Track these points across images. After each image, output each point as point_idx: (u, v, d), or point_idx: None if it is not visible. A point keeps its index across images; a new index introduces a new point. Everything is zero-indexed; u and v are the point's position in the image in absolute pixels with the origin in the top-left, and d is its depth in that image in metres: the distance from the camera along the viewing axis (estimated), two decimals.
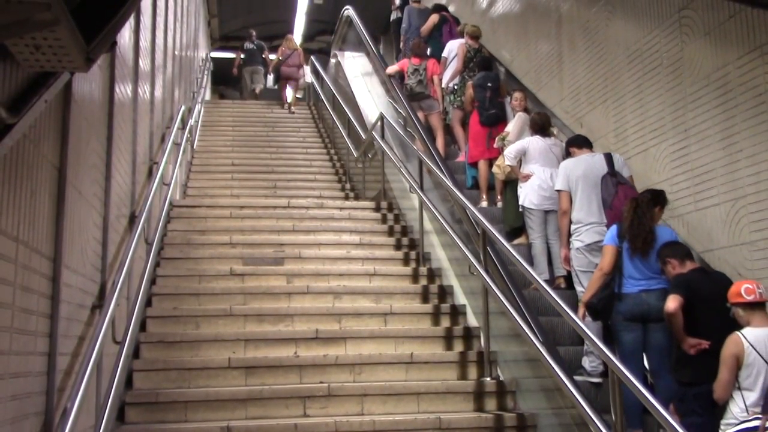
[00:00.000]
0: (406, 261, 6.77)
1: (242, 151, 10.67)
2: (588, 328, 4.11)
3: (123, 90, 4.82)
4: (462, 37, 9.38)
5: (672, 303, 4.39)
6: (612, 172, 5.72)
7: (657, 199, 5.11)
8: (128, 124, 5.15)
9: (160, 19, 6.88)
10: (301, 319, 5.59)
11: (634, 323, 4.90)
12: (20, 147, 2.78)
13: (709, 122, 5.22)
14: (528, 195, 6.60)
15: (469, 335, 5.52)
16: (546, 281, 5.47)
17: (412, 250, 6.92)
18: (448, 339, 5.50)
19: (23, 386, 2.88)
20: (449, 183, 6.26)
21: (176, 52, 8.87)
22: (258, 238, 6.93)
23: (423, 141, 7.61)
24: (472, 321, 5.79)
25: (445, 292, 6.17)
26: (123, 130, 4.90)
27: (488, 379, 4.99)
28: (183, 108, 8.56)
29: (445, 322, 5.78)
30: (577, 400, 3.67)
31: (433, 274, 6.48)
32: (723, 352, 4.10)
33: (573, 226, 5.78)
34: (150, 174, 6.13)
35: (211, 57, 17.49)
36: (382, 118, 8.27)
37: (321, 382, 4.85)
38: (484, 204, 7.72)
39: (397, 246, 7.11)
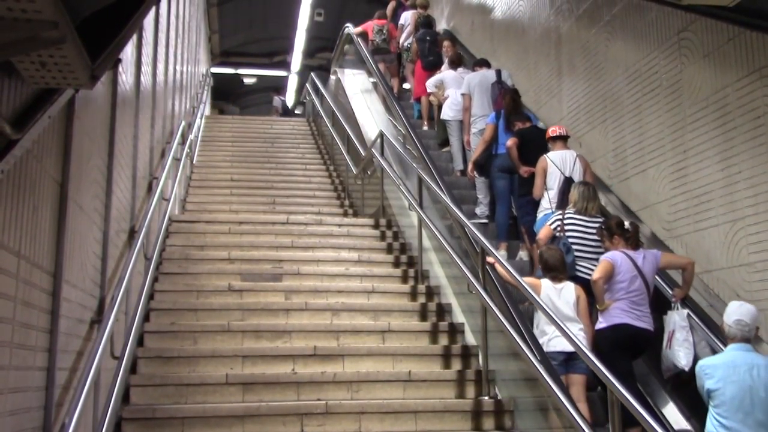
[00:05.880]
0: (404, 278, 6.76)
1: (241, 166, 10.68)
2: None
3: (124, 106, 4.84)
4: (414, 8, 11.93)
5: (509, 142, 6.89)
6: (499, 81, 8.29)
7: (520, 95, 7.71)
8: (129, 139, 5.17)
9: (161, 35, 6.92)
10: (299, 335, 5.58)
11: (504, 173, 7.15)
12: (23, 162, 2.79)
13: (708, 144, 5.25)
14: (446, 111, 9.09)
15: (467, 354, 5.51)
16: (461, 171, 8.61)
17: (411, 268, 6.92)
18: (446, 357, 5.49)
19: (22, 401, 2.88)
20: (448, 200, 6.28)
21: (177, 68, 8.91)
22: (256, 254, 6.93)
23: (384, 86, 10.38)
24: (471, 339, 5.78)
25: (443, 310, 6.17)
26: (124, 146, 4.91)
27: (486, 398, 4.97)
28: (183, 123, 8.59)
29: (444, 341, 5.77)
30: (576, 421, 3.66)
31: (431, 292, 6.47)
32: (536, 168, 6.41)
33: (472, 119, 8.28)
34: (150, 189, 6.15)
35: (211, 72, 17.56)
36: (381, 135, 8.31)
37: (318, 400, 4.83)
38: (425, 128, 10.28)
39: (396, 263, 7.11)
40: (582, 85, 7.28)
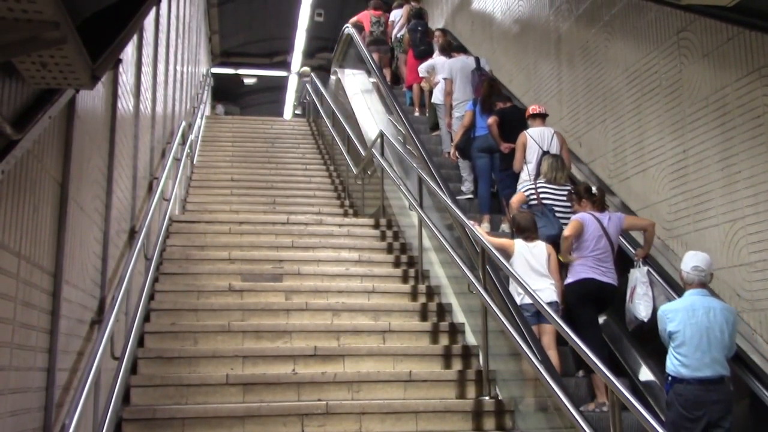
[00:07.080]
0: (404, 278, 6.76)
1: (242, 166, 10.67)
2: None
3: (125, 106, 4.85)
4: (401, 6, 12.55)
5: (490, 120, 7.50)
6: (478, 68, 8.95)
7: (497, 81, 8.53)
8: (130, 139, 5.17)
9: (162, 36, 6.92)
10: (300, 336, 5.58)
11: (484, 153, 7.76)
12: (24, 162, 2.79)
13: (708, 143, 5.25)
14: (436, 95, 9.65)
15: (467, 354, 5.51)
16: (449, 153, 8.96)
17: (411, 268, 6.92)
18: (446, 357, 5.49)
19: (22, 402, 2.88)
20: (448, 201, 6.28)
21: (177, 68, 8.91)
22: (257, 254, 6.93)
23: (376, 75, 10.90)
24: (471, 339, 5.78)
25: (443, 310, 6.17)
26: (124, 146, 4.92)
27: (487, 398, 4.97)
28: (183, 123, 8.59)
29: (444, 341, 5.77)
30: (577, 420, 3.66)
31: (431, 292, 6.47)
32: (516, 143, 6.90)
33: (454, 103, 8.88)
34: (150, 189, 6.15)
35: (211, 73, 17.56)
36: (381, 135, 8.32)
37: (319, 400, 4.84)
38: (417, 114, 10.85)
39: (396, 263, 7.11)
40: (582, 85, 7.28)
